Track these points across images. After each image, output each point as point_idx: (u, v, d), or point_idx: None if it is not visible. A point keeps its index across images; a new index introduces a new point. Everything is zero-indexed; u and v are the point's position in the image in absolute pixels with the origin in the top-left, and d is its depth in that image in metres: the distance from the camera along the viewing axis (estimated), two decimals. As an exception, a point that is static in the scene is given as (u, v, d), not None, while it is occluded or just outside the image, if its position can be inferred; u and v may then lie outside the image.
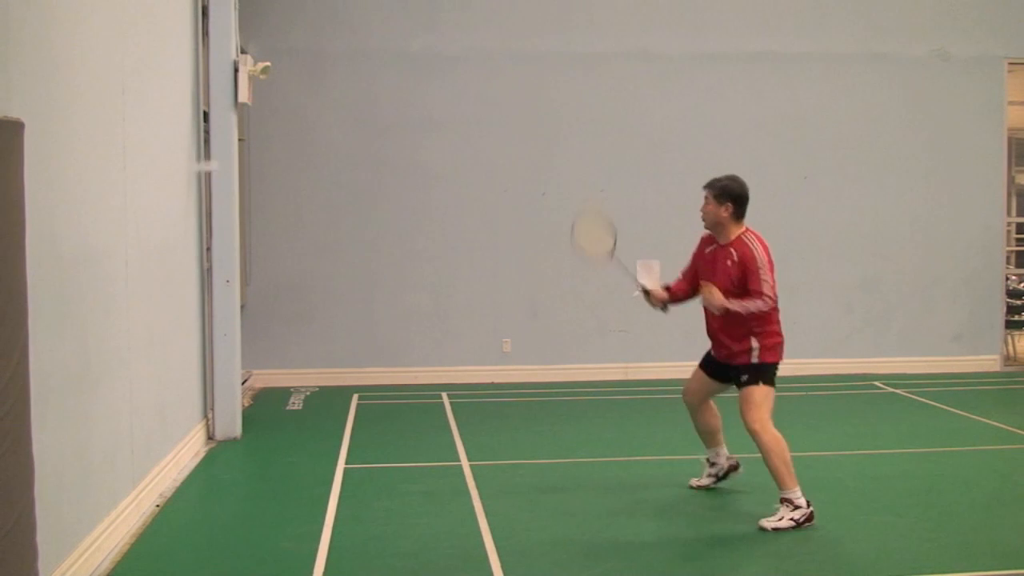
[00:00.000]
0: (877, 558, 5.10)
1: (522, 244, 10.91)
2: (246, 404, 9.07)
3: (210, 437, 7.96)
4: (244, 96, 7.90)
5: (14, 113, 3.65)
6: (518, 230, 10.91)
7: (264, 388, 10.39)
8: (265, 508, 6.16)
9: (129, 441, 5.67)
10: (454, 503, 6.11)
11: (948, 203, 11.46)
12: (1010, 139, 11.76)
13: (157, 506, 6.06)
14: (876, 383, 10.61)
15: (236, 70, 7.86)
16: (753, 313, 5.56)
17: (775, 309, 5.70)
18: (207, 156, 7.82)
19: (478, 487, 6.44)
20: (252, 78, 8.03)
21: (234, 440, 7.97)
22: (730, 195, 5.76)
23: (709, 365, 6.07)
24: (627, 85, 11.01)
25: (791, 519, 5.53)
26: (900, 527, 5.62)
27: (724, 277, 5.71)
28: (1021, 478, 6.84)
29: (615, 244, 6.04)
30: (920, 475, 6.82)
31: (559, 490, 6.46)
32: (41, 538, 3.60)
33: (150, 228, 6.21)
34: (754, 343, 5.64)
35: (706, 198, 5.84)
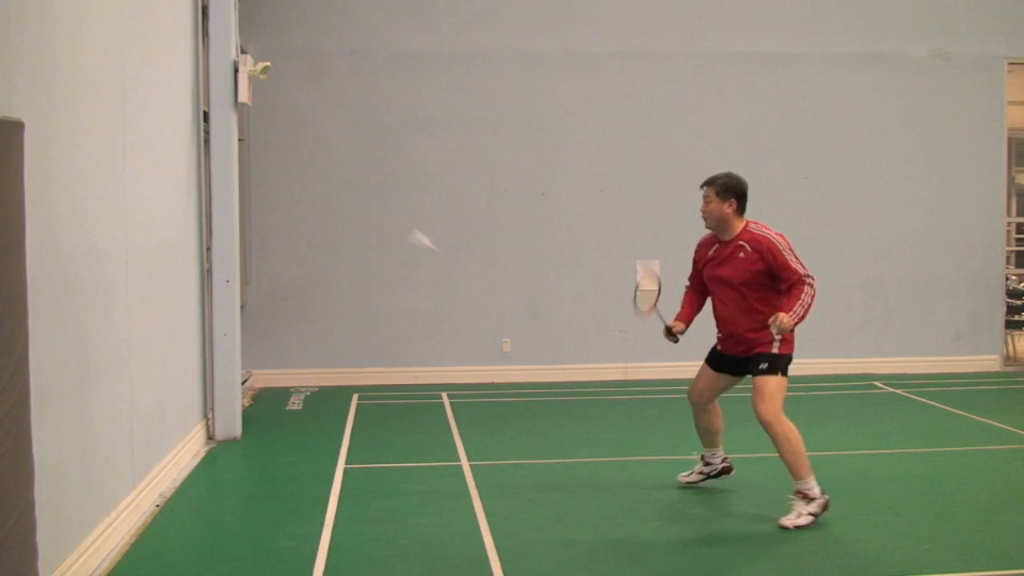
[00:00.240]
0: (877, 558, 5.10)
1: (522, 244, 10.91)
2: (246, 404, 9.07)
3: (210, 437, 7.96)
4: (244, 96, 7.90)
5: (14, 113, 3.65)
6: (518, 230, 10.91)
7: (264, 388, 10.39)
8: (265, 508, 6.16)
9: (129, 441, 5.68)
10: (454, 503, 6.11)
11: (948, 203, 11.46)
12: (1010, 139, 11.76)
13: (157, 506, 6.06)
14: (876, 383, 10.61)
15: (236, 70, 7.86)
16: (810, 307, 5.51)
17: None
18: (207, 156, 7.82)
19: (478, 487, 6.44)
20: (252, 78, 8.03)
21: (234, 440, 7.97)
22: (733, 190, 5.76)
23: (718, 361, 6.06)
24: (627, 85, 11.01)
25: (810, 513, 5.53)
26: (900, 527, 5.62)
27: (738, 271, 5.69)
28: (1021, 478, 6.85)
29: (654, 305, 6.24)
30: (920, 475, 6.82)
31: (559, 490, 6.46)
32: (41, 538, 3.60)
33: (150, 228, 6.21)
34: (775, 335, 5.61)
35: (707, 197, 5.81)
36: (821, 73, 11.24)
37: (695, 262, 6.10)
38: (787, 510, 5.62)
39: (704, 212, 5.85)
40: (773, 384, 5.62)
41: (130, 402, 5.69)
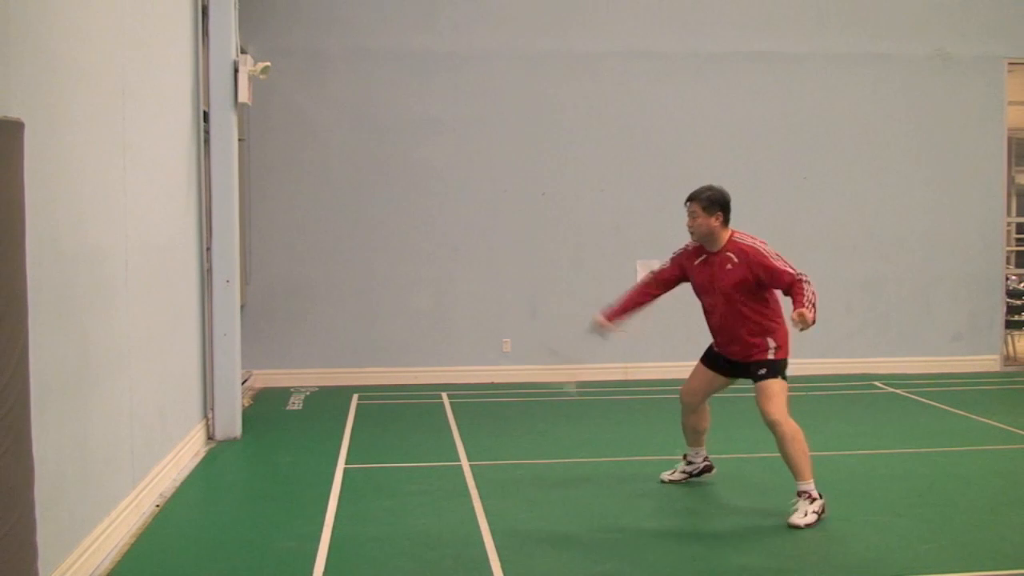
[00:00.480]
0: (877, 558, 5.10)
1: (522, 244, 10.91)
2: (246, 404, 9.06)
3: (210, 437, 7.95)
4: (244, 96, 7.90)
5: (14, 113, 3.65)
6: (518, 230, 10.91)
7: (264, 388, 10.39)
8: (265, 508, 6.15)
9: (129, 441, 5.68)
10: (454, 503, 6.11)
11: (948, 203, 11.46)
12: (1010, 139, 11.76)
13: (157, 506, 6.06)
14: (876, 383, 10.61)
15: (236, 70, 7.86)
16: (815, 299, 5.54)
17: (781, 306, 5.78)
18: (207, 156, 7.82)
19: (478, 487, 6.44)
20: (252, 78, 8.04)
21: (234, 440, 7.97)
22: (718, 204, 5.81)
23: (713, 360, 6.11)
24: (627, 85, 11.01)
25: (815, 511, 5.60)
26: (900, 527, 5.62)
27: (727, 280, 5.76)
28: (1021, 478, 6.84)
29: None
30: (920, 475, 6.82)
31: (559, 490, 6.46)
32: (41, 538, 3.60)
33: (150, 228, 6.21)
34: (771, 342, 5.74)
35: (693, 212, 5.84)
36: (821, 73, 11.24)
37: (676, 263, 6.08)
38: (789, 510, 5.65)
39: (691, 227, 5.88)
40: (777, 386, 5.72)
41: (130, 402, 5.69)
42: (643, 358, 10.91)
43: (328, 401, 9.72)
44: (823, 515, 5.63)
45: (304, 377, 10.62)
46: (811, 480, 5.64)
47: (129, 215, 5.66)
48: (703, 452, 6.46)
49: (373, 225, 10.75)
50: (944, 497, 6.26)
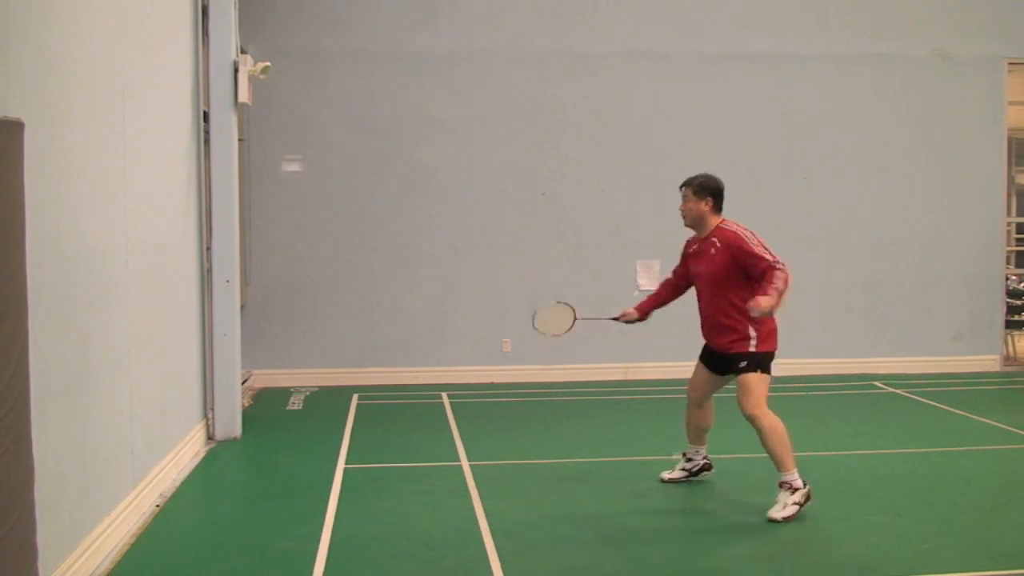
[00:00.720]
0: (877, 558, 5.10)
1: (522, 244, 10.91)
2: (246, 404, 9.07)
3: (210, 437, 7.96)
4: (244, 96, 7.90)
5: (14, 113, 3.65)
6: (518, 230, 10.92)
7: (264, 388, 10.39)
8: (265, 508, 6.16)
9: (129, 441, 5.68)
10: (454, 503, 6.11)
11: (948, 203, 11.46)
12: (1010, 139, 11.76)
13: (157, 506, 6.06)
14: (876, 383, 10.61)
15: (236, 70, 7.86)
16: (784, 288, 5.62)
17: None
18: (207, 156, 7.82)
19: (478, 487, 6.44)
20: (252, 78, 8.04)
21: (234, 440, 7.97)
22: (709, 190, 6.01)
23: (707, 358, 6.21)
24: (627, 85, 11.01)
25: (795, 503, 5.64)
26: (900, 527, 5.62)
27: (711, 265, 5.90)
28: (1021, 478, 6.85)
29: (575, 313, 6.62)
30: (920, 475, 6.82)
31: (559, 490, 6.46)
32: (41, 538, 3.60)
33: (150, 228, 6.21)
34: (752, 331, 5.79)
35: (685, 196, 6.08)
36: (821, 73, 11.24)
37: (682, 257, 6.33)
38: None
39: (683, 210, 6.10)
40: (754, 380, 5.77)
41: (130, 402, 5.69)
42: (643, 358, 10.91)
43: (328, 401, 9.72)
44: (806, 504, 5.68)
45: (304, 377, 10.63)
46: (794, 470, 5.70)
47: (129, 215, 5.66)
48: (703, 451, 6.51)
49: (373, 225, 10.75)
50: (944, 497, 6.26)
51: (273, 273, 10.64)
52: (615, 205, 11.00)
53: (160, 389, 6.47)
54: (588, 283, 10.82)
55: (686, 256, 6.24)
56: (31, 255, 3.62)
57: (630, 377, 10.94)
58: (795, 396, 9.54)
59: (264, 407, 9.44)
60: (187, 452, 7.18)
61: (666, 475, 6.55)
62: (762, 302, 5.50)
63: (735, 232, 5.85)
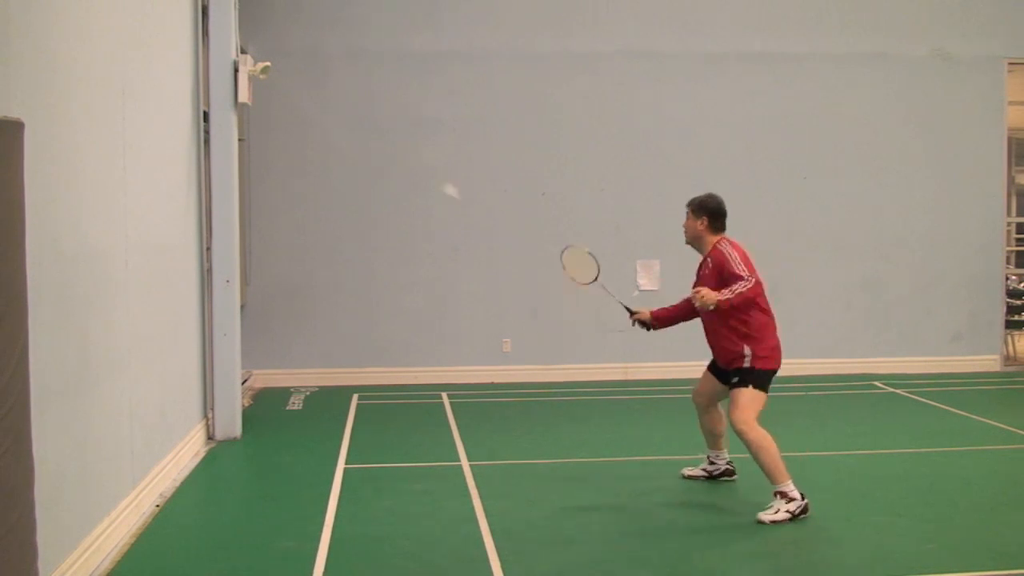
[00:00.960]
0: (877, 558, 5.10)
1: (522, 244, 10.91)
2: (246, 404, 9.06)
3: (210, 437, 7.95)
4: (244, 96, 7.90)
5: (14, 113, 3.65)
6: (518, 230, 10.91)
7: (264, 388, 10.39)
8: (265, 508, 6.16)
9: (129, 441, 5.68)
10: (454, 503, 6.11)
11: (948, 203, 11.46)
12: (1010, 139, 11.76)
13: (157, 506, 6.06)
14: (876, 383, 10.61)
15: (236, 70, 7.86)
16: (743, 295, 5.70)
17: (770, 321, 5.93)
18: (207, 156, 7.82)
19: (478, 487, 6.44)
20: (252, 78, 8.03)
21: (234, 440, 7.97)
22: (705, 209, 6.11)
23: (714, 368, 6.29)
24: (627, 85, 11.01)
25: (787, 511, 5.67)
26: (900, 527, 5.62)
27: (706, 283, 5.97)
28: (1021, 478, 6.85)
29: (599, 272, 6.50)
30: (920, 475, 6.82)
31: (559, 490, 6.46)
32: (41, 538, 3.60)
33: (150, 228, 6.21)
34: (746, 349, 5.87)
35: (686, 214, 6.20)
36: (821, 73, 11.24)
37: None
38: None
39: (684, 228, 6.22)
40: (746, 396, 5.82)
41: (130, 402, 5.69)
42: (643, 358, 10.91)
43: (328, 401, 9.72)
44: (802, 515, 5.66)
45: (304, 377, 10.62)
46: (788, 481, 5.72)
47: (129, 215, 5.66)
48: (724, 455, 6.56)
49: (373, 225, 10.75)
50: (944, 497, 6.26)
51: (273, 273, 10.64)
52: (615, 205, 11.00)
53: (160, 389, 6.47)
54: (588, 283, 10.81)
55: (697, 273, 6.29)
56: (31, 255, 3.62)
57: (630, 377, 10.94)
58: (795, 396, 9.55)
59: (264, 407, 9.44)
60: (187, 452, 7.18)
61: (687, 471, 6.63)
62: (705, 293, 5.68)
63: (722, 252, 5.95)
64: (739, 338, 5.86)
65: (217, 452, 7.63)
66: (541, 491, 6.42)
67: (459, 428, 8.37)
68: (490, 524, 5.62)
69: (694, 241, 6.17)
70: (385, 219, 10.75)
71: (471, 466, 7.05)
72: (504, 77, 10.88)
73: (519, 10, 10.90)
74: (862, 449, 7.62)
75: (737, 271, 5.79)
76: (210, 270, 7.90)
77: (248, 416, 8.47)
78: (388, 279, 10.78)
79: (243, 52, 8.51)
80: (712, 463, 6.56)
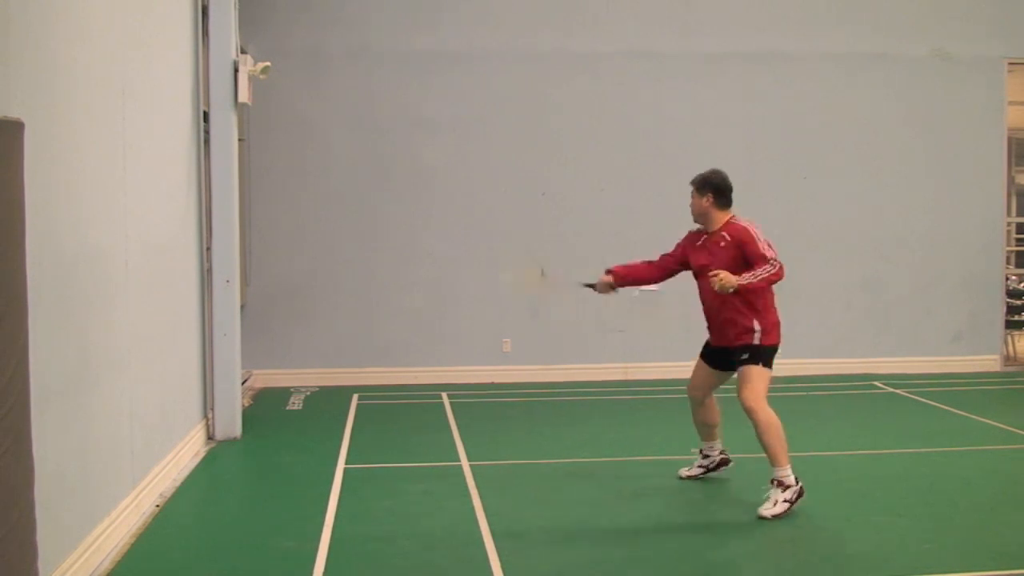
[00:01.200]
0: (877, 558, 5.10)
1: (522, 244, 10.90)
2: (246, 404, 9.06)
3: (210, 437, 7.95)
4: (244, 96, 7.90)
5: (14, 113, 3.65)
6: (518, 230, 10.91)
7: (264, 388, 10.39)
8: (265, 508, 6.16)
9: (129, 441, 5.68)
10: (454, 503, 6.11)
11: (948, 203, 11.46)
12: (1010, 139, 11.76)
13: (157, 506, 6.06)
14: (876, 383, 10.61)
15: (236, 70, 7.86)
16: (767, 279, 5.69)
17: (771, 292, 5.90)
18: (207, 156, 7.82)
19: (478, 487, 6.44)
20: (252, 78, 8.03)
21: (234, 440, 7.97)
22: (709, 185, 6.10)
23: (710, 356, 6.24)
24: (627, 85, 11.01)
25: (786, 501, 5.68)
26: (900, 527, 5.62)
27: (721, 260, 5.90)
28: (1021, 478, 6.85)
29: (542, 271, 6.81)
30: (920, 475, 6.82)
31: (559, 490, 6.46)
32: (41, 538, 3.60)
33: (150, 228, 6.21)
34: (756, 325, 5.84)
35: (691, 193, 6.18)
36: (821, 73, 11.24)
37: (679, 246, 6.34)
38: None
39: (691, 207, 6.19)
40: (756, 372, 5.81)
41: (130, 402, 5.69)
42: (643, 358, 10.91)
43: (328, 401, 9.72)
44: (797, 501, 5.69)
45: (304, 377, 10.62)
46: (787, 466, 5.73)
47: (129, 215, 5.66)
48: (718, 445, 6.56)
49: (373, 225, 10.75)
50: (944, 497, 6.26)
51: (273, 273, 10.64)
52: (615, 205, 11.00)
53: (160, 389, 6.47)
54: (588, 283, 10.81)
55: (687, 247, 6.23)
56: (31, 255, 3.62)
57: (630, 377, 10.94)
58: (795, 396, 9.54)
59: (264, 407, 9.44)
60: (187, 452, 7.18)
61: (684, 472, 6.60)
62: (724, 276, 5.61)
63: (745, 228, 5.92)
64: (751, 312, 5.83)
65: (217, 452, 7.63)
66: (541, 491, 6.42)
67: (459, 428, 8.37)
68: (490, 524, 5.62)
69: (700, 218, 6.14)
70: (385, 219, 10.75)
71: (471, 466, 7.05)
72: (504, 77, 10.88)
73: (519, 10, 10.90)
74: (862, 449, 7.62)
75: (764, 252, 5.75)
76: (210, 270, 7.89)
77: (248, 416, 8.47)
78: (388, 279, 10.78)
79: (243, 52, 8.51)
80: (706, 455, 6.56)
